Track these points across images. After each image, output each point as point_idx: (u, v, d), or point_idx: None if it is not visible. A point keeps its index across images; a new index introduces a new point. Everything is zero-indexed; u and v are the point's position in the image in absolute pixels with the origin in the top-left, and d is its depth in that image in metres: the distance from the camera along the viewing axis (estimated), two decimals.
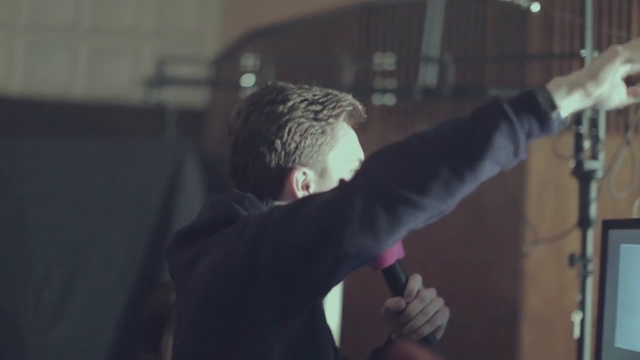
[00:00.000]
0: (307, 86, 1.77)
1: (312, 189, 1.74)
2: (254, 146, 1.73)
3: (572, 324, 3.70)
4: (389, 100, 4.29)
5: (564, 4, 4.03)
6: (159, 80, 5.66)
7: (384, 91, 4.14)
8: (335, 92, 1.78)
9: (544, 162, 4.09)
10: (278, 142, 1.71)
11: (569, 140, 3.25)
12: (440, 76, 3.82)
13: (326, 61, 5.00)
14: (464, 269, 4.62)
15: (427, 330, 1.79)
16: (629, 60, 1.57)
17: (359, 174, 1.52)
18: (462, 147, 1.47)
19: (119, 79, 7.86)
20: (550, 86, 1.54)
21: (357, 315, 4.31)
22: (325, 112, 1.74)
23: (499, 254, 4.54)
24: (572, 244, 3.61)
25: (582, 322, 3.10)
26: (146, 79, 5.96)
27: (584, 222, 3.13)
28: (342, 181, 1.56)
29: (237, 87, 5.11)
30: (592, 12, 3.07)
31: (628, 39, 1.81)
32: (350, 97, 1.78)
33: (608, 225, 2.29)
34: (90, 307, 4.14)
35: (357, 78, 4.43)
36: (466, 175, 1.47)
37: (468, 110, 1.60)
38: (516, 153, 1.51)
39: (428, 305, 1.79)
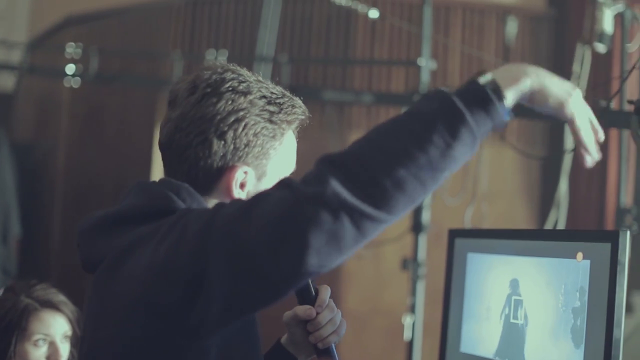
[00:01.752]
0: (261, 78, 1.68)
1: (247, 190, 1.66)
2: (203, 130, 1.62)
3: (387, 323, 3.81)
4: None
5: (394, 11, 4.13)
6: None
7: None
8: (288, 94, 1.70)
9: None
10: (230, 134, 1.62)
11: None
12: (274, 75, 3.82)
13: (153, 54, 4.89)
14: None
15: (333, 339, 1.80)
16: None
17: (317, 181, 1.41)
18: (426, 161, 1.41)
19: None
20: (501, 79, 1.48)
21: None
22: (280, 115, 1.65)
23: None
24: (389, 245, 3.71)
25: (413, 324, 3.18)
26: None
27: (416, 227, 3.21)
28: (289, 182, 1.45)
29: (55, 74, 4.92)
30: (431, 21, 3.16)
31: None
32: (302, 103, 1.70)
33: (455, 234, 2.36)
34: None
35: (188, 73, 4.36)
36: (430, 186, 1.43)
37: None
38: (471, 156, 1.48)
39: (335, 316, 1.79)
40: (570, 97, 1.55)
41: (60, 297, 2.46)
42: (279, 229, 1.41)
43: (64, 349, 2.43)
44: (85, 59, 4.45)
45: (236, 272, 1.45)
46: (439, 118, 1.43)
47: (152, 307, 1.51)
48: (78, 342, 2.19)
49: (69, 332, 2.44)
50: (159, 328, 1.52)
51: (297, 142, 1.74)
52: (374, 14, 3.31)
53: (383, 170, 1.41)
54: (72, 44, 4.60)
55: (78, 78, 4.35)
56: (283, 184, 1.46)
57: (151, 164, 5.03)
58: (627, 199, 4.16)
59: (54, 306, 2.43)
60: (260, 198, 1.46)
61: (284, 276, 1.43)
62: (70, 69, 4.39)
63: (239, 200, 1.52)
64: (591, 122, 1.60)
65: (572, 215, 3.91)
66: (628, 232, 1.83)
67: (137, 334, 1.54)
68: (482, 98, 1.45)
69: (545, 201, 4.44)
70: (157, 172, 4.74)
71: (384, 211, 1.41)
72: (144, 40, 5.15)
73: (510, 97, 1.49)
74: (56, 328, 2.42)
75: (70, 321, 2.45)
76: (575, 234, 1.97)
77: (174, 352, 1.52)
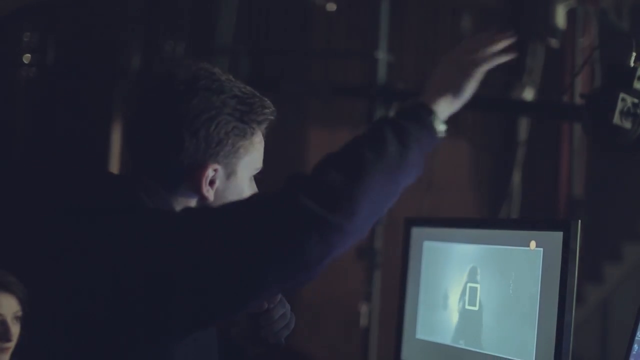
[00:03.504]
0: (232, 78, 1.69)
1: (216, 187, 1.68)
2: (175, 127, 1.64)
3: (342, 313, 3.86)
4: None
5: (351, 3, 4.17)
6: None
7: None
8: (258, 94, 1.71)
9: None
10: (203, 132, 1.64)
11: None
12: (232, 67, 3.85)
13: (113, 44, 4.87)
14: None
15: (284, 333, 1.83)
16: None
17: (289, 198, 1.48)
18: (381, 171, 1.52)
19: None
20: (433, 103, 1.63)
21: None
22: (251, 115, 1.68)
23: None
24: None
25: (370, 312, 3.22)
26: None
27: None
28: (261, 198, 1.53)
29: (10, 63, 4.88)
30: (388, 15, 3.20)
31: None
32: (271, 104, 1.73)
33: (411, 222, 2.40)
34: None
35: (145, 64, 4.35)
36: (387, 195, 1.54)
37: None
38: (420, 170, 1.60)
39: (287, 310, 1.83)
40: (471, 67, 1.66)
41: (10, 278, 2.46)
42: (246, 243, 1.47)
43: (15, 329, 2.43)
44: (42, 48, 4.42)
45: (201, 285, 1.49)
46: (387, 133, 1.55)
47: (124, 308, 1.53)
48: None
49: (19, 313, 2.44)
50: (130, 329, 1.54)
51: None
52: (331, 6, 3.35)
53: (345, 183, 1.49)
54: (28, 33, 4.57)
55: (34, 68, 4.32)
56: (253, 200, 1.54)
57: (109, 156, 5.02)
58: (578, 190, 4.25)
59: (4, 286, 2.43)
60: (228, 213, 1.53)
61: (247, 291, 1.50)
62: (26, 58, 4.36)
63: (210, 211, 1.57)
64: (488, 43, 1.70)
65: (524, 206, 3.99)
66: (579, 222, 1.89)
67: (100, 335, 1.55)
68: (420, 116, 1.61)
69: (497, 192, 4.52)
70: (114, 165, 4.72)
71: (349, 220, 1.48)
72: (101, 30, 5.13)
73: (442, 112, 1.64)
74: (7, 308, 2.42)
75: (21, 302, 2.45)
76: (529, 223, 2.02)
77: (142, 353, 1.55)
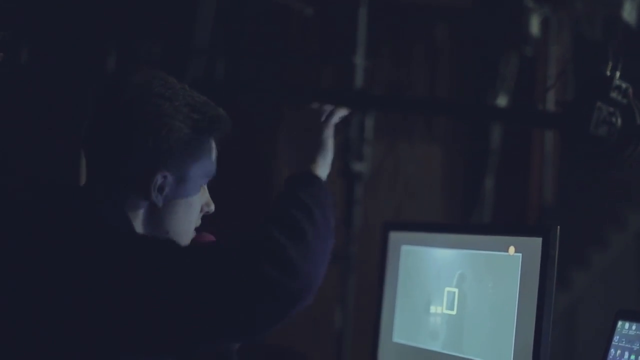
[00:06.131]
0: (186, 86, 1.73)
1: (165, 193, 1.70)
2: (126, 133, 1.66)
3: (315, 315, 3.87)
4: None
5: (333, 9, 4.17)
6: None
7: None
8: (212, 103, 1.75)
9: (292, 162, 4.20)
10: (152, 139, 1.66)
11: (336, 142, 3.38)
12: (208, 69, 3.84)
13: (89, 43, 4.84)
14: None
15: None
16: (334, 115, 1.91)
17: (251, 264, 1.54)
18: (325, 244, 1.69)
19: None
20: (316, 170, 1.85)
21: None
22: (203, 124, 1.71)
23: None
24: None
25: (344, 315, 3.24)
26: None
27: (348, 221, 3.28)
28: (224, 255, 1.58)
29: None
30: (366, 21, 3.22)
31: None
32: (224, 112, 1.77)
33: (389, 227, 2.42)
34: None
35: (120, 65, 4.34)
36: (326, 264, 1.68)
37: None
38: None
39: None
40: (323, 129, 1.92)
41: None
42: (202, 299, 1.52)
43: None
44: (13, 47, 4.38)
45: (172, 318, 1.52)
46: (306, 200, 1.72)
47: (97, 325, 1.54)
48: None
49: None
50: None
51: (230, 142, 1.82)
52: (308, 11, 3.36)
53: (298, 251, 1.59)
54: (1, 32, 4.53)
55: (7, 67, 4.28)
56: (216, 254, 1.58)
57: (80, 159, 4.99)
58: (548, 197, 4.30)
59: None
60: (193, 261, 1.56)
61: (197, 339, 1.55)
62: None
63: (174, 252, 1.59)
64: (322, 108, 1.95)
65: (496, 213, 4.03)
66: (558, 228, 1.92)
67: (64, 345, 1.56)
68: (315, 182, 1.82)
69: (469, 198, 4.55)
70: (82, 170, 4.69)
71: (307, 285, 1.58)
72: (77, 30, 5.09)
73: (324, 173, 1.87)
74: None
75: None
76: (508, 228, 2.05)
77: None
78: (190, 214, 1.75)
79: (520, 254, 1.97)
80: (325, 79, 4.12)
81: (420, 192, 4.31)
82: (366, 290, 3.42)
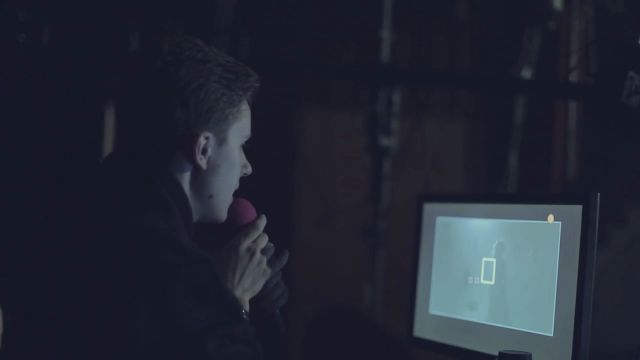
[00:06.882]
0: (214, 48, 1.74)
1: (208, 155, 1.72)
2: (164, 98, 1.67)
3: (344, 292, 3.88)
4: None
5: None
6: None
7: None
8: (241, 63, 1.76)
9: (317, 138, 4.20)
10: (193, 100, 1.67)
11: (363, 118, 3.37)
12: (232, 47, 3.84)
13: (112, 23, 4.84)
14: None
15: (281, 302, 1.88)
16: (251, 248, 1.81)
17: None
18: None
19: None
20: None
21: None
22: (237, 83, 1.72)
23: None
24: (342, 215, 3.78)
25: (374, 290, 3.24)
26: None
27: (376, 196, 3.27)
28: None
29: (3, 43, 4.84)
30: None
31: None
32: (254, 72, 1.77)
33: (423, 198, 2.42)
34: None
35: (144, 45, 4.33)
36: None
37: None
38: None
39: (280, 280, 1.87)
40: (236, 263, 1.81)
41: None
42: None
43: None
44: (37, 28, 4.39)
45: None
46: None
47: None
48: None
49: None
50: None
51: (259, 113, 1.83)
52: None
53: None
54: (24, 13, 4.53)
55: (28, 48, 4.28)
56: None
57: (103, 139, 5.00)
58: (571, 172, 4.29)
59: None
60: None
61: None
62: (21, 38, 4.32)
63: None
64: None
65: (518, 187, 4.02)
66: (598, 195, 1.91)
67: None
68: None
69: (490, 173, 4.54)
70: (107, 148, 4.70)
71: None
72: (99, 10, 5.09)
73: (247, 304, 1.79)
74: None
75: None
76: (546, 197, 2.04)
77: None
78: (232, 175, 1.77)
79: (560, 222, 1.96)
80: (348, 54, 4.11)
81: (446, 167, 4.29)
82: (396, 266, 3.42)
